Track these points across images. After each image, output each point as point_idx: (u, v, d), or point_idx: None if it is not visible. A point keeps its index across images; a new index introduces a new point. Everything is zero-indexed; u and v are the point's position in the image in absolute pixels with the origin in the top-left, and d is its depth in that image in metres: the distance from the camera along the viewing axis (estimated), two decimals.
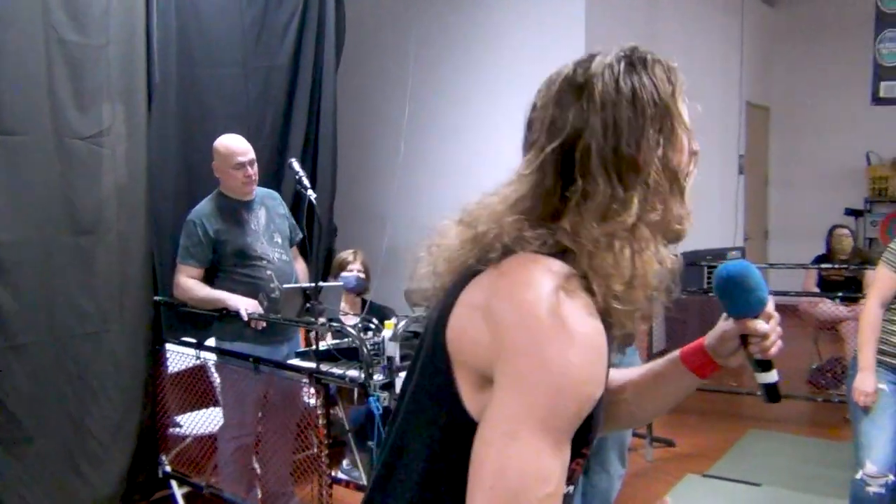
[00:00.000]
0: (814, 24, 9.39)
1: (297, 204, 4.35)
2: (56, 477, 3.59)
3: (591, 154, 1.05)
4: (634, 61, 1.09)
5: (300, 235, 3.96)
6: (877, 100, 5.65)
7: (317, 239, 3.99)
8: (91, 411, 3.73)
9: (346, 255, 4.61)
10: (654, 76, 1.09)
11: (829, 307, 5.91)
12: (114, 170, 3.83)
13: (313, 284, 3.46)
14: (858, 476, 2.99)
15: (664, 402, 1.37)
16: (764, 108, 9.76)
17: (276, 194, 4.00)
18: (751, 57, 8.75)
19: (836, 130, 9.23)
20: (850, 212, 9.03)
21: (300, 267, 4.00)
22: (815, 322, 6.08)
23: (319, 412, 3.26)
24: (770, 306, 1.19)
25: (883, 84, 5.61)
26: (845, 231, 6.40)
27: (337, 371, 3.20)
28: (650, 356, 4.66)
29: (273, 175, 4.62)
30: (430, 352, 1.09)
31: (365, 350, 3.04)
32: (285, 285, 3.58)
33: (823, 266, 6.13)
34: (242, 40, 4.62)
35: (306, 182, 3.60)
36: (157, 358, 4.04)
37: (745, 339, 1.21)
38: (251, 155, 3.68)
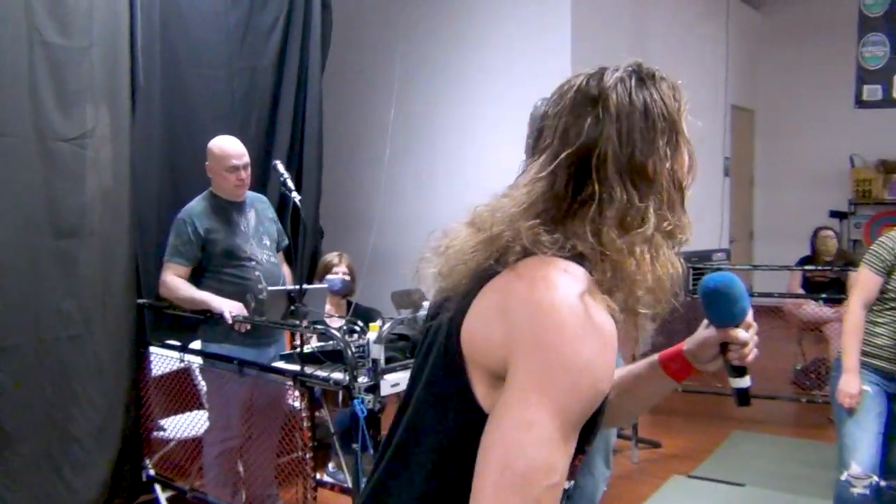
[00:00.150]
0: (798, 28, 9.45)
1: (282, 206, 4.34)
2: (38, 481, 3.56)
3: (608, 162, 1.09)
4: (644, 77, 1.14)
5: (286, 242, 3.94)
6: (860, 103, 5.70)
7: (302, 241, 3.98)
8: (74, 415, 3.70)
9: (332, 257, 4.60)
10: (661, 92, 1.14)
11: (814, 308, 5.93)
12: (97, 172, 3.80)
13: (298, 287, 3.44)
14: (843, 477, 3.00)
15: (642, 403, 1.43)
16: (749, 111, 9.80)
17: (264, 199, 3.99)
18: (736, 60, 8.79)
19: (821, 133, 9.28)
20: (835, 214, 9.08)
21: (285, 271, 3.99)
22: (799, 323, 6.11)
23: (304, 415, 3.25)
24: (749, 316, 1.25)
25: (866, 87, 5.66)
26: (830, 233, 6.44)
27: (321, 373, 3.18)
28: (635, 358, 4.66)
29: (259, 177, 4.60)
30: (443, 351, 1.11)
31: (349, 352, 3.02)
32: (270, 287, 3.56)
33: (808, 268, 6.16)
34: (227, 41, 4.60)
35: (291, 184, 3.59)
36: (141, 361, 4.01)
37: (724, 346, 1.27)
38: (246, 159, 3.67)
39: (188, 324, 3.82)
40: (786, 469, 4.54)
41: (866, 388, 3.03)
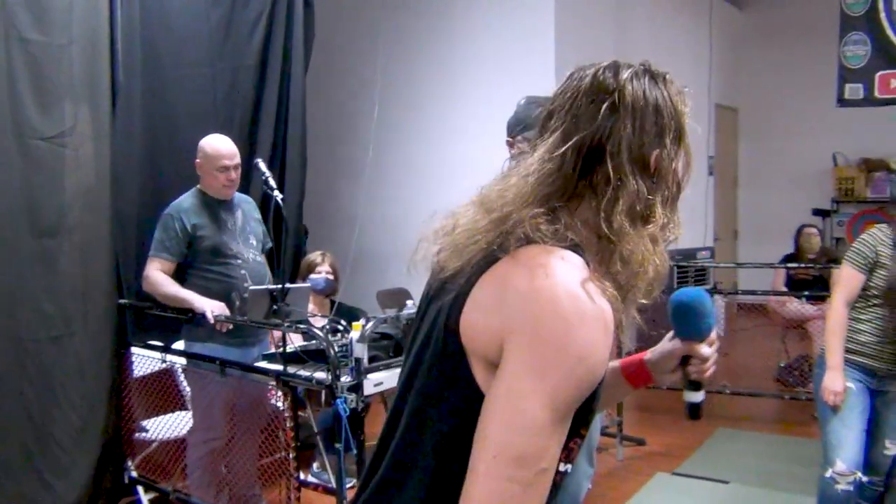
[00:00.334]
0: (781, 28, 9.49)
1: (264, 205, 4.31)
2: (18, 484, 3.52)
3: (622, 151, 1.11)
4: (655, 76, 1.17)
5: (270, 244, 3.92)
6: (842, 101, 5.71)
7: (284, 240, 3.95)
8: (54, 417, 3.66)
9: (315, 256, 4.58)
10: (670, 92, 1.17)
11: (797, 306, 5.96)
12: (77, 170, 3.76)
13: (280, 286, 3.42)
14: (827, 474, 3.01)
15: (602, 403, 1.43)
16: (733, 109, 9.84)
17: (251, 200, 3.98)
18: (719, 60, 8.82)
19: (804, 132, 9.33)
20: (818, 212, 9.14)
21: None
22: (782, 321, 6.13)
23: (287, 415, 3.23)
24: (713, 333, 1.32)
25: (847, 86, 5.67)
26: (814, 230, 6.48)
27: (304, 373, 3.16)
28: (619, 356, 4.66)
29: (242, 176, 4.57)
30: (441, 336, 1.10)
31: (332, 352, 3.00)
32: (252, 287, 3.54)
33: (791, 265, 6.18)
34: (209, 40, 4.56)
35: (272, 182, 3.57)
36: (122, 362, 3.98)
37: (685, 360, 1.34)
38: (237, 159, 3.67)
39: (171, 324, 3.79)
40: (770, 466, 4.55)
41: (850, 385, 3.04)
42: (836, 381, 3.01)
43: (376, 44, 5.83)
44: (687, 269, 6.87)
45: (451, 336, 1.08)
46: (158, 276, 3.56)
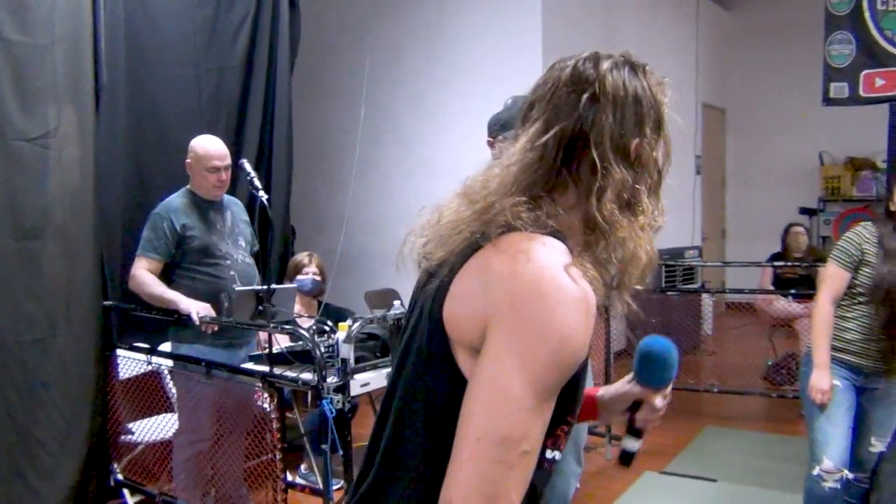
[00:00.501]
0: (768, 27, 9.53)
1: (251, 205, 4.29)
2: (2, 488, 3.48)
3: (604, 140, 1.13)
4: (635, 67, 1.19)
5: (257, 247, 3.90)
6: (827, 100, 5.71)
7: (271, 241, 3.94)
8: (38, 420, 3.63)
9: (302, 257, 4.57)
10: (650, 83, 1.18)
11: (784, 304, 5.98)
12: (61, 172, 3.73)
13: (266, 287, 3.41)
14: (814, 472, 3.01)
15: None
16: (720, 109, 9.88)
17: (239, 202, 3.96)
18: (706, 60, 8.85)
19: (791, 131, 9.38)
20: (805, 211, 9.18)
21: None
22: (769, 319, 6.16)
23: (273, 416, 3.21)
24: (668, 388, 1.34)
25: (833, 85, 5.67)
26: (801, 229, 6.50)
27: (290, 374, 3.14)
28: (608, 355, 4.68)
29: None
30: (426, 326, 1.11)
31: (318, 352, 2.99)
32: (238, 287, 3.52)
33: (778, 264, 6.21)
34: (194, 40, 4.54)
35: (258, 183, 3.56)
36: (108, 364, 3.95)
37: (636, 406, 1.36)
38: (227, 161, 3.65)
39: (156, 326, 3.76)
40: (757, 464, 4.56)
41: (837, 382, 3.05)
42: (823, 379, 3.02)
43: (363, 44, 5.83)
44: (675, 267, 6.89)
45: (436, 325, 1.09)
46: (145, 275, 3.54)
